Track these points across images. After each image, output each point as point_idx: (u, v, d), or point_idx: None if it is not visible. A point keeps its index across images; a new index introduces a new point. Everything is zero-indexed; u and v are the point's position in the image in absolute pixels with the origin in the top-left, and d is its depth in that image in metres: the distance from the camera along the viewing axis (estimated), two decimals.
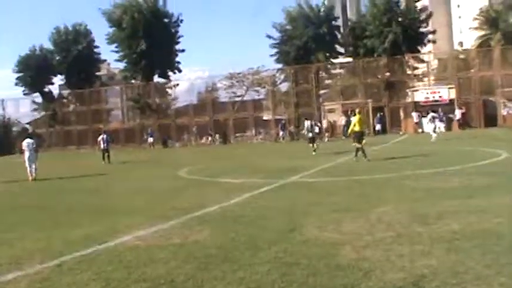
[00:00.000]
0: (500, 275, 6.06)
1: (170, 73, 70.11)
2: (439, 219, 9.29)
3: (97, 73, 76.33)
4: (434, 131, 37.69)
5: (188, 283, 6.58)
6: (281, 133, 58.43)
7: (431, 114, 42.03)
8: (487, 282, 5.86)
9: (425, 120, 49.86)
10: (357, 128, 24.42)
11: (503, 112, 52.17)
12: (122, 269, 7.46)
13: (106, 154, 34.58)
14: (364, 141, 24.25)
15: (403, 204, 11.20)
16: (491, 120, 52.32)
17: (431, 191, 12.89)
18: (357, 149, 23.82)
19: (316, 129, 35.11)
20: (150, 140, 60.95)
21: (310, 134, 32.14)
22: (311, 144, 31.39)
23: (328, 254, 7.52)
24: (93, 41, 73.61)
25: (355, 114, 27.05)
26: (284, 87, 66.12)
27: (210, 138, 61.66)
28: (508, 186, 12.92)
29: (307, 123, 33.33)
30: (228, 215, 11.42)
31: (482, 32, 73.51)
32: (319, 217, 10.34)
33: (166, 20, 69.14)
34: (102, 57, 76.88)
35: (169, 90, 70.13)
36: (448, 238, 7.93)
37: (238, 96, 65.35)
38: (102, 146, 35.30)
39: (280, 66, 65.72)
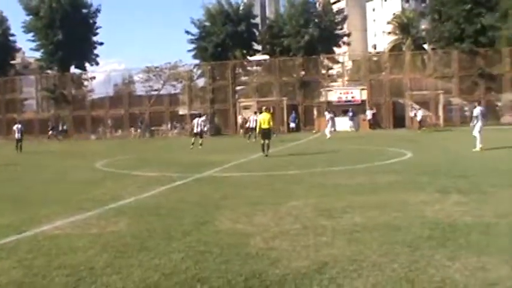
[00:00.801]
0: (394, 262, 6.67)
1: (87, 64, 69.25)
2: (343, 213, 9.91)
3: (11, 62, 74.32)
4: (330, 130, 39.60)
5: (107, 270, 6.84)
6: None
7: (329, 114, 43.68)
8: (381, 269, 6.44)
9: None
10: (264, 126, 25.27)
11: (411, 114, 54.25)
12: (42, 257, 7.63)
13: (19, 144, 34.41)
14: (268, 139, 25.19)
15: (311, 199, 11.78)
16: (399, 121, 54.29)
17: (338, 187, 13.56)
18: (263, 145, 24.77)
19: (205, 127, 36.09)
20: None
21: (195, 130, 33.59)
22: (193, 139, 33.19)
23: (239, 243, 7.95)
24: (9, 28, 71.71)
25: (261, 112, 27.79)
26: (201, 82, 66.60)
27: (138, 130, 60.97)
28: (408, 184, 13.74)
29: (195, 120, 34.13)
30: (143, 207, 11.67)
31: (395, 37, 75.94)
32: (232, 210, 10.75)
33: (84, 11, 68.16)
34: (18, 45, 75.05)
35: (85, 82, 69.19)
36: (350, 230, 8.54)
37: (155, 90, 65.20)
38: (16, 135, 35.06)
39: (197, 61, 66.02)
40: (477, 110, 25.71)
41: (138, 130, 61.62)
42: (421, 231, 8.28)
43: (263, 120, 25.52)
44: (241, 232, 8.78)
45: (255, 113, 36.80)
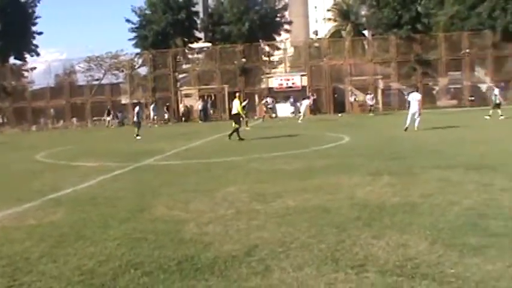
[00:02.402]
0: (321, 243, 6.96)
1: (27, 55, 67.82)
2: (277, 198, 10.17)
3: None
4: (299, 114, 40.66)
5: (43, 259, 6.92)
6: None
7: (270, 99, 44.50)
8: (308, 249, 6.72)
9: (279, 106, 52.05)
10: (234, 111, 26.58)
11: (351, 99, 55.08)
12: None
13: None
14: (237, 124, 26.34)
15: (247, 184, 12.01)
16: (340, 106, 55.08)
17: (274, 172, 13.83)
18: (234, 130, 25.85)
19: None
20: None
21: (136, 119, 33.70)
22: (136, 129, 32.85)
23: (174, 230, 8.13)
24: None
25: (234, 98, 28.70)
26: (143, 71, 66.01)
27: (108, 119, 59.96)
28: (343, 167, 14.09)
29: (136, 108, 34.13)
30: (81, 197, 11.70)
31: (335, 23, 76.68)
32: (168, 197, 10.91)
33: (22, 0, 66.71)
34: None
35: (25, 73, 67.77)
36: (281, 214, 8.82)
37: (96, 80, 64.50)
38: None
39: (139, 50, 65.40)
40: (411, 96, 28.06)
41: (109, 119, 60.48)
42: (350, 213, 8.62)
43: (233, 106, 27.03)
44: (177, 218, 8.96)
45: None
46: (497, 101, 34.28)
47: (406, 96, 27.70)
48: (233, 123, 26.71)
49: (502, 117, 32.60)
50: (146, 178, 14.30)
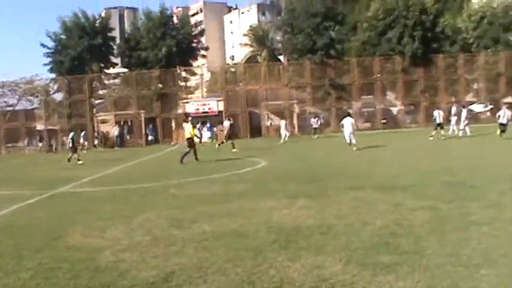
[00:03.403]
0: (238, 267, 7.03)
1: None
2: (193, 223, 10.18)
3: None
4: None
5: None
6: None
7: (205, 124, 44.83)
8: (225, 274, 6.78)
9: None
10: (187, 135, 26.76)
11: (267, 123, 55.69)
12: None
13: None
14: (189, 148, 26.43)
15: (165, 210, 11.95)
16: (256, 130, 55.57)
17: (192, 198, 13.81)
18: (187, 152, 26.05)
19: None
20: None
21: (71, 145, 32.94)
22: (75, 155, 32.21)
23: (89, 258, 8.00)
24: None
25: (185, 122, 29.34)
26: (58, 97, 64.64)
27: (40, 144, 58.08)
28: (260, 191, 14.25)
29: (71, 134, 33.67)
30: None
31: (251, 48, 77.67)
32: (85, 225, 10.72)
33: None
34: None
35: None
36: (198, 239, 8.82)
37: (10, 106, 62.77)
38: None
39: (54, 75, 64.11)
40: (346, 120, 30.75)
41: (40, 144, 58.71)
42: (267, 236, 8.73)
43: (185, 129, 27.45)
44: (93, 246, 8.82)
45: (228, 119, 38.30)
46: (439, 121, 35.45)
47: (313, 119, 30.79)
48: (187, 147, 26.80)
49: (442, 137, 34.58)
50: (62, 206, 14.01)
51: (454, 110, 37.21)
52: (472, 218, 9.31)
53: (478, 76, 63.54)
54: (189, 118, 29.32)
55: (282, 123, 45.24)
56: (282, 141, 41.72)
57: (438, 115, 35.49)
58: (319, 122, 50.18)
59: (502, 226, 8.61)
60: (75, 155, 32.05)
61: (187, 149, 26.45)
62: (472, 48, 64.19)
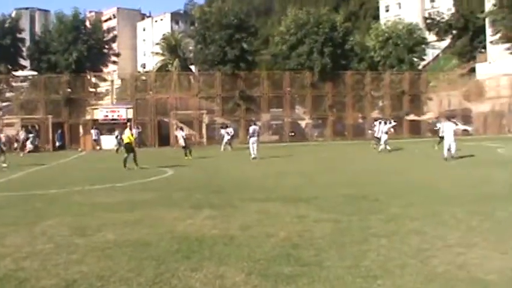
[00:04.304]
0: (140, 276, 7.04)
1: None
2: (97, 231, 10.09)
3: None
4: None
5: None
6: None
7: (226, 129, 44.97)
8: (127, 283, 6.77)
9: (104, 138, 51.36)
10: (126, 140, 26.87)
11: (175, 133, 55.48)
12: None
13: None
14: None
15: (68, 217, 11.78)
16: (164, 139, 55.26)
17: (96, 205, 13.65)
18: (126, 157, 26.05)
19: None
20: None
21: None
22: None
23: None
24: None
25: (126, 127, 29.03)
26: None
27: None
28: (165, 201, 14.30)
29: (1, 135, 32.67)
30: None
31: (163, 57, 77.32)
32: None
33: None
34: None
35: None
36: (101, 247, 8.76)
37: None
38: None
39: None
40: (252, 128, 32.37)
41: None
42: (170, 246, 8.77)
43: (124, 135, 27.64)
44: None
45: (181, 128, 37.05)
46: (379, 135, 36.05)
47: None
48: (125, 152, 26.89)
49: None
50: None
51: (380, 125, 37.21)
52: (372, 230, 9.65)
53: (383, 94, 65.61)
54: (128, 123, 29.08)
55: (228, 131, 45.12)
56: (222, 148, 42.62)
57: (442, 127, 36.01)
58: (231, 134, 46.57)
59: (401, 238, 8.98)
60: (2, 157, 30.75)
61: (126, 154, 26.44)
62: (379, 67, 66.31)
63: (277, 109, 62.91)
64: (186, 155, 32.94)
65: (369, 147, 38.30)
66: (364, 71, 64.43)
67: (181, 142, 34.32)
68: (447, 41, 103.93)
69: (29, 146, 35.48)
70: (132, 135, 27.54)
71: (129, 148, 26.72)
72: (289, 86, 61.50)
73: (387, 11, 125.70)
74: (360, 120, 67.37)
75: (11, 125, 56.82)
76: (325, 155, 36.41)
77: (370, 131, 43.14)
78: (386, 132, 35.73)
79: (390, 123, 36.94)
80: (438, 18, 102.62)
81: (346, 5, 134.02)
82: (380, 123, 36.34)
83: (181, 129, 35.54)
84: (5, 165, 29.34)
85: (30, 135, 31.72)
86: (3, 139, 32.61)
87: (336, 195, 14.44)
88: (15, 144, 49.82)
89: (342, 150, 41.69)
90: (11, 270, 7.56)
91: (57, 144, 55.69)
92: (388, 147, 35.22)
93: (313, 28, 62.72)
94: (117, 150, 42.46)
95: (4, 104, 62.56)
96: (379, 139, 35.70)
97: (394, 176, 20.43)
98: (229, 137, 43.44)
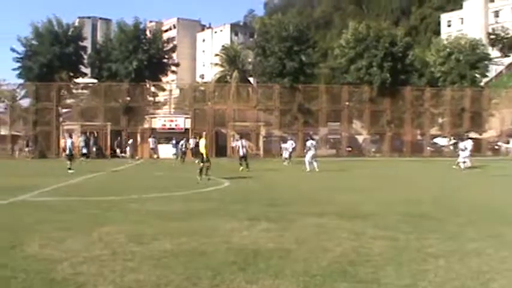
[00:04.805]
0: (196, 286, 7.04)
1: None
2: (153, 240, 10.13)
3: None
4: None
5: None
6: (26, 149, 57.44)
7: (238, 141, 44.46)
8: None
9: (162, 147, 51.91)
10: (201, 150, 26.53)
11: (232, 144, 55.74)
12: None
13: None
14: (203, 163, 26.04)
15: (125, 225, 11.89)
16: (222, 150, 55.54)
17: (153, 214, 13.76)
18: (201, 169, 25.60)
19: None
20: None
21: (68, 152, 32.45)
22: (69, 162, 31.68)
23: (46, 269, 7.91)
24: None
25: (200, 137, 28.77)
26: (25, 103, 63.85)
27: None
28: (221, 211, 14.28)
29: (69, 140, 33.51)
30: None
31: (222, 68, 77.81)
32: (43, 235, 10.58)
33: None
34: None
35: None
36: (158, 256, 8.77)
37: None
38: None
39: (22, 81, 63.26)
40: (309, 142, 32.62)
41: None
42: (226, 257, 8.71)
43: (200, 145, 27.29)
44: (50, 257, 8.71)
45: (241, 137, 36.73)
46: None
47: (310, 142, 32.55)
48: (199, 162, 26.74)
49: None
50: (21, 214, 13.81)
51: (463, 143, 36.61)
52: (429, 250, 9.42)
53: (443, 110, 64.56)
54: (204, 133, 28.94)
55: (289, 143, 43.73)
56: (285, 162, 41.48)
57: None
58: (292, 147, 44.59)
59: (459, 259, 8.73)
60: (69, 162, 31.52)
61: (201, 164, 26.14)
62: (439, 83, 65.30)
63: (334, 123, 62.62)
64: (241, 165, 32.92)
65: (425, 164, 37.66)
66: (424, 87, 63.59)
67: (242, 152, 33.99)
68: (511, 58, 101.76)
69: (83, 151, 35.83)
70: (206, 146, 27.42)
71: (203, 159, 26.40)
72: (347, 100, 61.16)
73: (449, 25, 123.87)
74: (419, 137, 66.47)
75: (70, 131, 58.01)
76: (383, 171, 35.98)
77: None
78: (465, 150, 35.39)
79: (450, 141, 36.43)
80: (502, 34, 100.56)
81: (407, 19, 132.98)
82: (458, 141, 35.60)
83: (241, 138, 34.85)
84: (72, 171, 29.98)
85: (87, 141, 32.11)
86: (68, 144, 32.99)
87: (394, 213, 14.19)
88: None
89: (400, 167, 41.17)
90: (69, 274, 7.63)
91: (118, 151, 56.64)
92: (461, 165, 35.04)
93: (372, 42, 62.38)
94: (182, 159, 43.23)
95: (65, 110, 63.87)
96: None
97: (454, 194, 20.02)
98: (290, 151, 42.40)
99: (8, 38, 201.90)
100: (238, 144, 34.17)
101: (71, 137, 34.04)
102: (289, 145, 43.45)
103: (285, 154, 41.95)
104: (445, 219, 12.96)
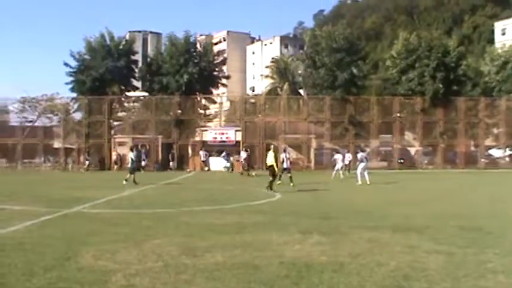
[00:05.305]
0: None
1: None
2: (206, 252, 10.12)
3: None
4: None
5: None
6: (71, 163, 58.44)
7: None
8: None
9: (211, 159, 52.21)
10: (270, 163, 26.93)
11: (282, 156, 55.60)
12: None
13: None
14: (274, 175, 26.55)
15: (177, 237, 11.91)
16: None
17: (204, 226, 13.78)
18: (270, 182, 26.01)
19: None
20: None
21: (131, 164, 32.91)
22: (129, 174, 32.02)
23: (100, 280, 7.98)
24: None
25: (268, 150, 29.16)
26: (78, 116, 65.05)
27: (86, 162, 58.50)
28: (273, 224, 14.20)
29: (132, 153, 33.72)
30: (7, 242, 11.34)
31: (272, 80, 77.93)
32: (96, 246, 10.70)
33: None
34: None
35: None
36: (210, 269, 8.76)
37: (30, 122, 63.37)
38: None
39: (75, 95, 64.45)
40: (360, 155, 33.30)
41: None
42: (279, 271, 8.63)
43: (268, 158, 27.72)
44: (104, 269, 8.79)
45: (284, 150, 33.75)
46: None
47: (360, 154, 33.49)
48: (270, 175, 26.78)
49: None
50: (74, 226, 14.02)
51: None
52: (488, 265, 9.16)
53: (498, 121, 63.19)
54: (272, 146, 28.91)
55: (339, 156, 41.40)
56: (333, 176, 39.20)
57: None
58: (349, 159, 43.41)
59: None
60: (128, 175, 31.96)
61: (271, 178, 26.37)
62: (494, 92, 64.05)
63: (386, 135, 61.98)
64: (279, 178, 30.60)
65: (480, 176, 36.91)
66: (478, 97, 62.45)
67: (286, 164, 31.39)
68: None
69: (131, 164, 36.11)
70: (275, 158, 27.44)
71: (272, 171, 26.64)
72: (399, 111, 60.49)
73: (503, 34, 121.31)
74: (473, 148, 65.23)
75: (122, 144, 58.83)
76: (436, 183, 35.38)
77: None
78: None
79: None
80: None
81: (459, 28, 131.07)
82: None
83: (284, 150, 33.15)
84: (136, 183, 30.49)
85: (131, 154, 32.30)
86: (131, 156, 33.44)
87: (449, 226, 13.90)
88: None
89: (453, 179, 40.45)
90: (122, 286, 7.70)
91: (171, 164, 57.17)
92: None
93: (424, 52, 61.69)
94: (232, 170, 42.67)
95: (116, 123, 64.77)
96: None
97: (511, 208, 19.51)
98: (342, 163, 40.38)
99: (61, 52, 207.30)
100: (283, 157, 32.55)
101: (132, 150, 34.25)
102: (347, 158, 42.56)
103: (338, 166, 40.11)
104: (503, 234, 12.63)
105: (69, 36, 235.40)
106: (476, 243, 11.18)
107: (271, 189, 25.64)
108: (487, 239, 11.95)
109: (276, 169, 26.97)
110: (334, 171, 39.99)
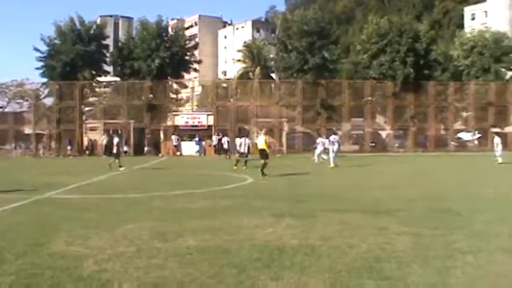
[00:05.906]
0: (221, 283, 7.02)
1: None
2: (178, 237, 10.14)
3: None
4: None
5: None
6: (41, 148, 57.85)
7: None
8: None
9: (183, 144, 52.07)
10: (261, 147, 26.82)
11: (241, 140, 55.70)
12: None
13: None
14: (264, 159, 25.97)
15: (148, 222, 11.90)
16: None
17: (176, 211, 13.79)
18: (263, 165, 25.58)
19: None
20: None
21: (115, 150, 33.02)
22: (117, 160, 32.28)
23: (72, 266, 7.95)
24: None
25: (259, 133, 28.56)
26: (49, 102, 64.36)
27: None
28: (245, 208, 14.26)
29: (116, 139, 33.98)
30: None
31: (244, 65, 77.82)
32: (68, 232, 10.65)
33: None
34: None
35: None
36: (182, 253, 8.78)
37: (0, 108, 62.63)
38: None
39: (45, 80, 63.63)
40: (333, 137, 33.51)
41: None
42: (250, 254, 8.69)
43: (259, 141, 27.74)
44: (75, 254, 8.76)
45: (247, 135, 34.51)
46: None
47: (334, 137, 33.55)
48: (261, 158, 26.39)
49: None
50: (46, 212, 13.92)
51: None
52: (456, 246, 9.30)
53: (467, 104, 63.94)
54: (264, 129, 28.79)
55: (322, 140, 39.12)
56: (317, 160, 37.76)
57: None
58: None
59: (487, 256, 8.62)
60: (117, 161, 32.08)
61: (263, 161, 25.96)
62: (463, 77, 64.75)
63: (358, 118, 62.39)
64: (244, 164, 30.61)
65: (449, 159, 37.34)
66: (448, 81, 63.10)
67: (242, 149, 31.22)
68: None
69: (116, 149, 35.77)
70: (266, 141, 27.32)
71: (263, 155, 26.32)
72: (370, 95, 60.88)
73: (473, 19, 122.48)
74: (443, 132, 65.94)
75: (93, 129, 58.49)
76: (407, 166, 35.72)
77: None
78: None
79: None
80: None
81: (430, 13, 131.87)
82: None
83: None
84: (122, 168, 30.41)
85: (116, 139, 32.09)
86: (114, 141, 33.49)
87: (418, 208, 14.08)
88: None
89: (424, 162, 40.89)
90: (94, 271, 7.67)
91: (146, 149, 57.01)
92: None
93: (395, 37, 61.99)
94: (228, 156, 43.04)
95: (87, 108, 64.32)
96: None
97: (479, 190, 19.76)
98: (322, 148, 37.93)
99: (31, 38, 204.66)
100: (241, 141, 31.79)
101: (112, 135, 34.18)
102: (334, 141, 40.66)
103: (318, 150, 38.19)
104: (471, 216, 12.80)
105: (39, 20, 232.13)
106: (444, 225, 11.34)
107: (263, 173, 25.29)
108: (455, 220, 12.12)
109: (267, 153, 26.64)
110: (316, 156, 38.49)
